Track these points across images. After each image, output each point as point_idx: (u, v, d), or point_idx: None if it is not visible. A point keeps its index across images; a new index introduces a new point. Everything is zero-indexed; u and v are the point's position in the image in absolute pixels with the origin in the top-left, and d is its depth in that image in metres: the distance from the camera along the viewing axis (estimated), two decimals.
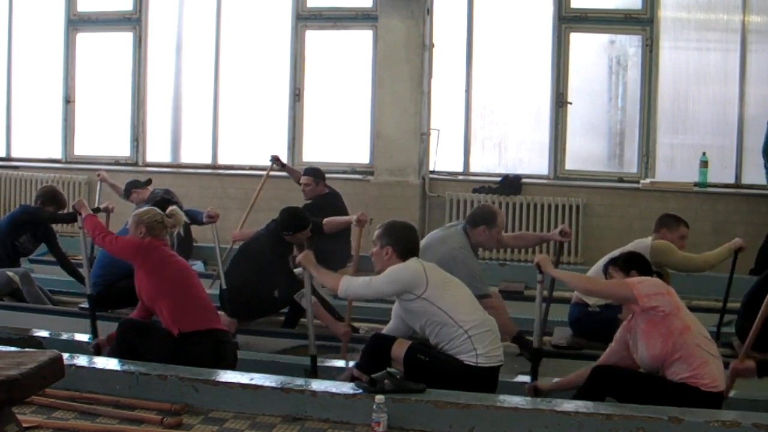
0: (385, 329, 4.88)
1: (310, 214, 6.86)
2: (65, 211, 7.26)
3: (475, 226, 5.84)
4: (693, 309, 4.83)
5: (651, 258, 5.76)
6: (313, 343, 5.09)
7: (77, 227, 5.67)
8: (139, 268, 5.11)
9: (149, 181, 8.23)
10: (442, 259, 5.33)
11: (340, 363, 5.26)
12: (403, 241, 4.71)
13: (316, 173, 8.02)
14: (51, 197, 7.19)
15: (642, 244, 5.94)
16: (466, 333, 4.44)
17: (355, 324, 6.13)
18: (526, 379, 4.87)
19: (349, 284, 4.69)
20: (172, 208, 5.40)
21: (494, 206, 6.47)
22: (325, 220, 6.75)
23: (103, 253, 6.15)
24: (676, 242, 6.00)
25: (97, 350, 5.26)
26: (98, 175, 8.65)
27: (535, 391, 4.65)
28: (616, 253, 5.43)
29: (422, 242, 5.80)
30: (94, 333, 5.60)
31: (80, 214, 5.55)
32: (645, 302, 4.20)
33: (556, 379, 4.78)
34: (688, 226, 6.15)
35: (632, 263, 4.62)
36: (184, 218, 5.50)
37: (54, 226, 7.39)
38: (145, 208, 5.42)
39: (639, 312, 4.27)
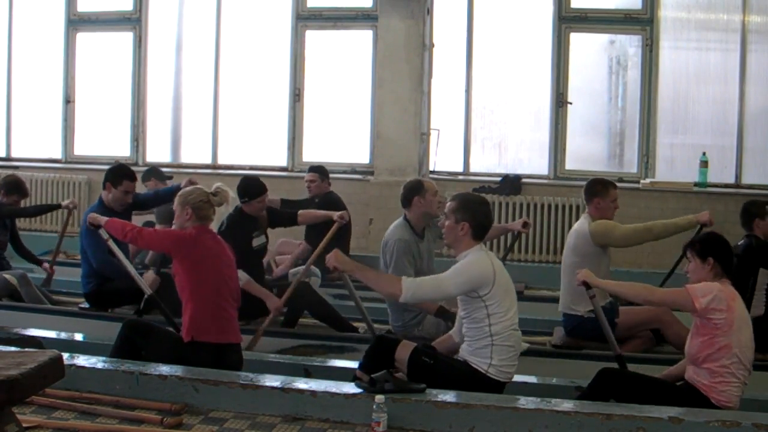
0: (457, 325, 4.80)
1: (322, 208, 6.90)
2: (25, 201, 7.23)
3: (409, 203, 5.80)
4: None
5: (594, 242, 5.65)
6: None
7: (105, 239, 5.47)
8: (178, 262, 4.92)
9: (170, 177, 8.29)
10: (382, 251, 5.57)
11: (340, 363, 5.23)
12: (479, 217, 4.50)
13: (321, 170, 8.01)
14: (14, 186, 7.11)
15: (582, 231, 5.75)
16: (492, 341, 4.38)
17: (355, 324, 6.12)
18: (527, 378, 4.86)
19: (417, 288, 4.41)
20: (217, 185, 5.16)
21: (415, 178, 6.44)
22: (301, 211, 6.75)
23: (95, 253, 6.10)
24: (609, 208, 5.78)
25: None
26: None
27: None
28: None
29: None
30: None
31: (100, 227, 5.42)
32: (703, 314, 4.21)
33: None
34: (616, 186, 5.96)
35: (710, 250, 4.38)
36: (232, 194, 5.28)
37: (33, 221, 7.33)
38: (191, 188, 5.18)
39: (695, 314, 4.27)
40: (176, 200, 5.05)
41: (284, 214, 6.65)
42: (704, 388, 4.22)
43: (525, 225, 6.50)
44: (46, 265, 7.23)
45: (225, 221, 6.22)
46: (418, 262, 5.73)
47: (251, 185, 6.27)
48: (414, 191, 5.82)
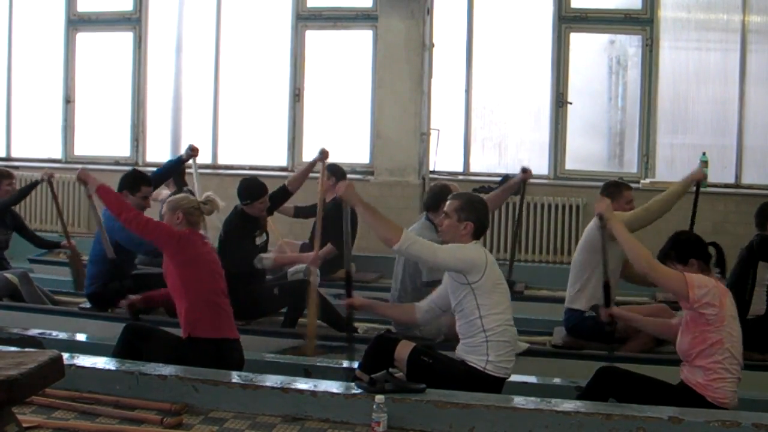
0: (427, 300, 4.87)
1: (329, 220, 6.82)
2: (13, 184, 7.22)
3: (437, 207, 5.76)
4: None
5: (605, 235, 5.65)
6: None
7: (91, 205, 5.53)
8: (170, 258, 4.96)
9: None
10: None
11: (341, 363, 5.24)
12: (483, 219, 4.60)
13: (332, 168, 7.79)
14: None
15: (593, 228, 5.67)
16: (486, 337, 4.41)
17: (355, 324, 6.11)
18: (527, 378, 4.87)
19: (413, 242, 4.43)
20: (207, 194, 5.26)
21: (443, 182, 6.42)
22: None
23: (97, 252, 6.11)
24: (624, 208, 5.77)
25: (132, 308, 5.35)
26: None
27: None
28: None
29: None
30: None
31: (86, 184, 5.42)
32: (695, 306, 4.20)
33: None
34: (631, 188, 5.97)
35: (687, 252, 4.41)
36: (221, 204, 5.31)
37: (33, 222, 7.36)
38: (181, 195, 5.27)
39: (687, 307, 4.28)
40: (166, 206, 5.14)
41: (275, 196, 6.58)
42: (700, 387, 4.21)
43: (524, 171, 6.49)
44: (64, 242, 7.24)
45: (225, 225, 6.21)
46: None
47: (253, 187, 6.26)
48: (442, 196, 5.80)
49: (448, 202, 4.65)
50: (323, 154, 6.40)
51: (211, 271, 5.01)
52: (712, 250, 4.57)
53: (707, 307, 4.20)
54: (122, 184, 6.16)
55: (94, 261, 6.18)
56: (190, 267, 4.91)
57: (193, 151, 7.04)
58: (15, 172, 8.55)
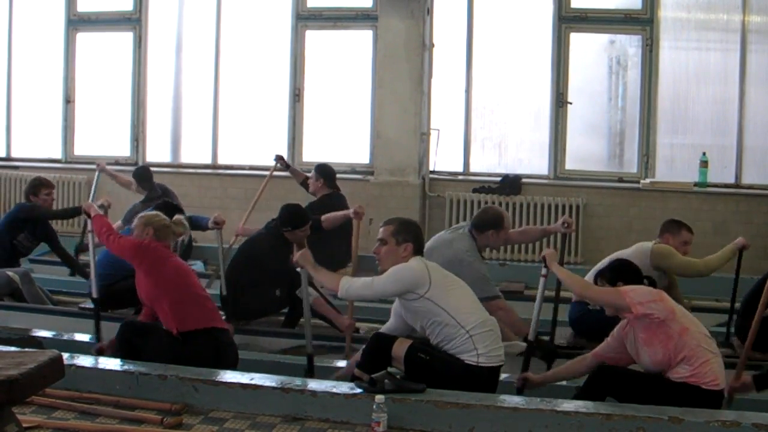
0: (384, 328, 4.86)
1: (314, 212, 6.88)
2: (53, 193, 7.35)
3: (484, 230, 5.86)
4: (694, 309, 4.82)
5: (651, 262, 5.81)
6: (310, 341, 5.08)
7: (88, 230, 5.69)
8: (138, 268, 5.14)
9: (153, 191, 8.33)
10: (449, 262, 5.32)
11: (341, 363, 5.25)
12: (419, 239, 4.73)
13: (318, 168, 7.99)
14: (36, 183, 7.23)
15: (643, 247, 5.95)
16: (468, 333, 4.43)
17: (356, 324, 6.11)
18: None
19: (350, 285, 4.61)
20: (178, 217, 5.50)
21: (499, 208, 6.48)
22: (324, 216, 6.76)
23: (103, 254, 6.15)
24: (679, 248, 5.99)
25: (100, 353, 5.26)
26: (98, 165, 8.82)
27: (524, 383, 4.65)
28: (617, 255, 5.44)
29: (428, 244, 5.82)
30: (98, 336, 5.59)
31: (89, 216, 5.55)
32: (638, 310, 4.23)
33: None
34: (692, 231, 6.14)
35: (619, 275, 4.61)
36: (188, 230, 5.62)
37: (54, 224, 7.39)
38: (153, 212, 5.49)
39: (634, 320, 4.28)
40: (138, 221, 5.32)
41: (313, 225, 6.48)
42: (690, 379, 4.19)
43: (566, 225, 5.99)
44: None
45: (264, 243, 6.17)
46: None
47: (297, 215, 6.19)
48: (494, 224, 5.87)
49: (381, 229, 4.73)
50: (359, 211, 6.34)
51: (183, 270, 5.16)
52: (646, 282, 4.65)
53: (652, 306, 4.22)
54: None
55: (101, 264, 6.20)
56: (158, 269, 5.04)
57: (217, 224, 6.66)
58: (15, 173, 8.64)
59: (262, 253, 6.10)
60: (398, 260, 4.61)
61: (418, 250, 4.69)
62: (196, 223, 6.72)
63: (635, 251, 5.90)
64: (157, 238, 5.19)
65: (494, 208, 6.40)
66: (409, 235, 4.66)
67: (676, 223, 6.19)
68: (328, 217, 6.80)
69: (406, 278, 4.51)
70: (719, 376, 4.21)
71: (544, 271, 4.82)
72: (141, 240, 5.17)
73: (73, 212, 7.45)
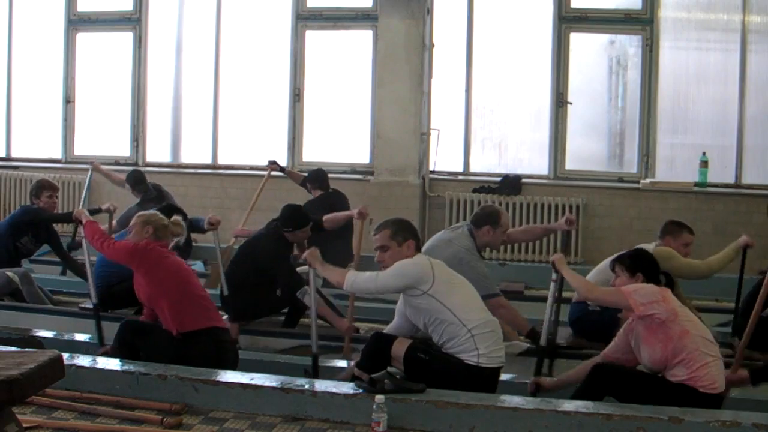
0: (388, 328, 4.86)
1: (314, 210, 6.89)
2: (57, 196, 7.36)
3: (480, 226, 5.85)
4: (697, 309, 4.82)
5: None
6: (316, 342, 5.08)
7: (79, 233, 5.72)
8: (136, 270, 5.12)
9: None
10: (449, 260, 5.29)
11: (341, 363, 5.25)
12: (416, 233, 4.79)
13: (309, 180, 8.08)
14: (38, 186, 7.23)
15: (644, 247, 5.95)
16: (470, 332, 4.43)
17: (356, 324, 6.12)
18: (527, 379, 4.86)
19: (356, 279, 4.68)
20: (175, 217, 5.50)
21: (497, 206, 6.50)
22: (326, 216, 6.76)
23: (102, 256, 6.13)
24: (680, 249, 5.96)
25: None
26: (91, 164, 8.94)
27: (537, 388, 4.65)
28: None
29: (428, 243, 5.86)
30: (101, 340, 5.55)
31: (81, 222, 5.54)
32: (641, 310, 4.25)
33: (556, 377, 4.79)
34: (693, 233, 6.12)
35: (639, 265, 4.58)
36: (185, 232, 5.59)
37: (56, 226, 7.39)
38: (151, 211, 5.48)
39: (637, 318, 4.31)
40: (136, 219, 5.29)
41: (314, 225, 6.48)
42: (689, 381, 4.19)
43: (569, 222, 6.01)
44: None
45: (264, 243, 6.16)
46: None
47: (298, 216, 6.21)
48: (489, 220, 5.85)
49: (378, 236, 4.72)
50: (362, 212, 6.35)
51: (182, 270, 5.14)
52: (663, 279, 4.68)
53: (654, 307, 4.23)
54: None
55: (99, 265, 6.20)
56: (156, 270, 5.01)
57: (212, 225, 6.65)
58: (15, 173, 8.65)
59: (263, 253, 6.10)
60: (404, 257, 4.63)
61: (418, 245, 4.76)
62: (196, 225, 6.74)
63: (599, 272, 5.85)
64: (156, 238, 5.18)
65: (492, 205, 6.43)
66: (408, 233, 4.71)
67: (677, 224, 6.17)
68: (330, 218, 6.80)
69: (409, 273, 4.52)
70: (718, 380, 4.21)
71: (554, 275, 4.88)
72: (137, 243, 5.14)
73: (63, 218, 7.45)
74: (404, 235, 4.68)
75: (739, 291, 6.15)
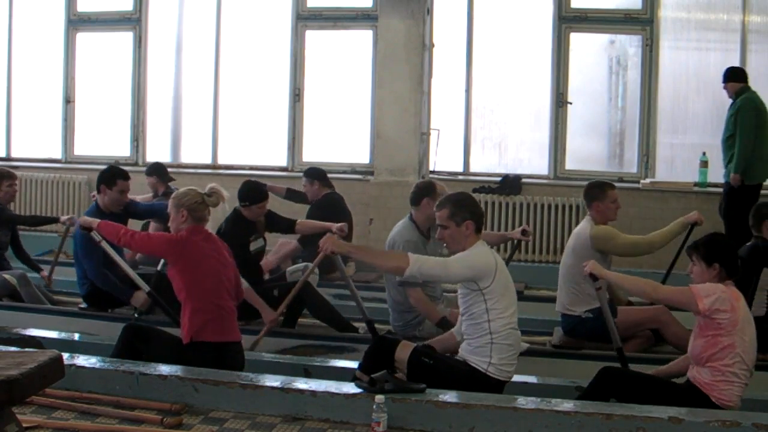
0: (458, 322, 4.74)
1: (317, 211, 6.87)
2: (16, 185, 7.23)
3: (418, 203, 5.81)
4: None
5: (593, 246, 5.67)
6: (363, 310, 5.35)
7: (96, 241, 5.49)
8: (172, 265, 4.93)
9: (173, 179, 8.41)
10: (386, 246, 5.48)
11: (341, 363, 5.23)
12: (478, 213, 4.61)
13: (312, 173, 8.05)
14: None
15: (583, 235, 5.77)
16: (491, 339, 4.40)
17: (355, 324, 6.12)
18: (527, 378, 4.86)
19: (423, 263, 4.43)
20: (211, 186, 5.16)
21: (427, 179, 6.52)
22: (300, 221, 6.68)
23: (90, 265, 6.06)
24: (610, 208, 5.80)
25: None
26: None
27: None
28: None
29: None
30: (176, 322, 5.19)
31: (91, 230, 5.45)
32: (707, 313, 4.19)
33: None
34: (614, 186, 5.94)
35: (716, 254, 4.33)
36: (226, 194, 5.21)
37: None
38: (184, 189, 5.10)
39: (700, 315, 4.25)
40: (170, 203, 5.03)
41: (282, 221, 6.56)
42: (706, 386, 4.21)
43: (524, 233, 6.33)
44: (45, 273, 7.21)
45: (223, 224, 6.21)
46: None
47: (253, 190, 6.24)
48: (425, 192, 5.84)
49: (438, 214, 4.62)
50: (341, 230, 6.32)
51: (217, 273, 4.92)
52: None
53: (718, 313, 4.18)
54: (99, 180, 6.31)
55: (79, 262, 6.16)
56: (192, 271, 4.83)
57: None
58: (16, 173, 8.56)
59: (224, 232, 6.05)
60: (463, 240, 4.52)
61: (480, 222, 4.58)
62: (164, 207, 6.71)
63: (575, 239, 5.80)
64: (195, 220, 4.93)
65: (422, 180, 6.36)
66: (466, 212, 4.53)
67: (597, 186, 5.93)
68: (304, 223, 6.70)
69: (476, 266, 4.41)
70: (734, 400, 4.20)
71: (597, 284, 4.72)
72: (175, 235, 4.93)
73: (46, 221, 7.40)
74: (462, 215, 4.52)
75: (673, 264, 6.18)
